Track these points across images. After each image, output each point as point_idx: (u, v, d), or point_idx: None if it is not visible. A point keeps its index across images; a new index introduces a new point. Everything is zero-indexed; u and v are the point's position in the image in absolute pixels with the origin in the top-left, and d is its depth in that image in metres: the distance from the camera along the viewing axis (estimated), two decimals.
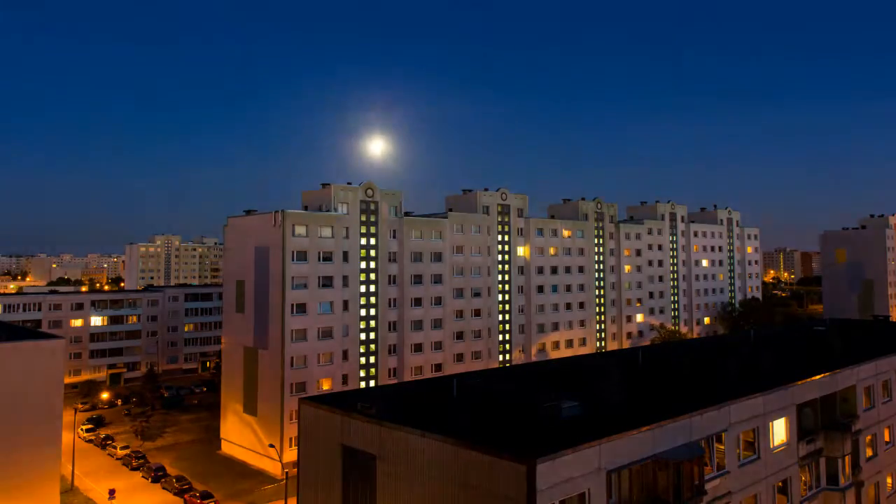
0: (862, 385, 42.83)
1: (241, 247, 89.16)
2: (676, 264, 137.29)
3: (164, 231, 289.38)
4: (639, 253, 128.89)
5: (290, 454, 74.00)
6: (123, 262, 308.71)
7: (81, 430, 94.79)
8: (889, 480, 45.52)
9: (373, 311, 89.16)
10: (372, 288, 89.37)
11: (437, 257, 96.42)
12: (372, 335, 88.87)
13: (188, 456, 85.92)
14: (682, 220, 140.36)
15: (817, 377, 38.66)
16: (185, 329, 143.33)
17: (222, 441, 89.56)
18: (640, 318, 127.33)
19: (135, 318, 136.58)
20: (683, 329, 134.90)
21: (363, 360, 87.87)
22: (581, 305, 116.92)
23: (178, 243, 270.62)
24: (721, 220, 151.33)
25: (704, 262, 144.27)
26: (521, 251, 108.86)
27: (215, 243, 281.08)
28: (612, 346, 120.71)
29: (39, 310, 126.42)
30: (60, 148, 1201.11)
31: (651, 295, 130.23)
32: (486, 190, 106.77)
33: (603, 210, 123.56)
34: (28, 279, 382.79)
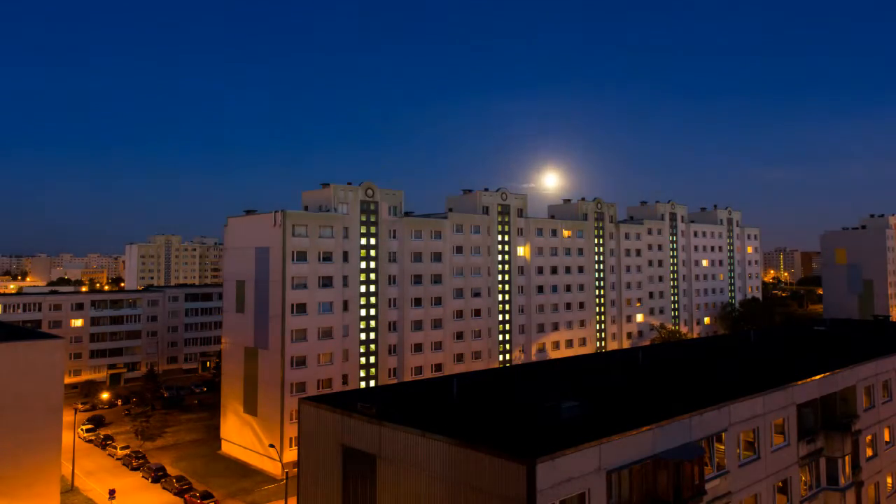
0: (862, 385, 42.82)
1: (242, 247, 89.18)
2: (676, 264, 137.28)
3: (164, 231, 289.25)
4: (639, 253, 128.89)
5: (290, 454, 74.03)
6: (123, 262, 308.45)
7: (81, 430, 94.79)
8: (889, 480, 45.52)
9: (373, 311, 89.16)
10: (372, 288, 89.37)
11: (437, 257, 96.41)
12: (372, 335, 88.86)
13: (188, 456, 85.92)
14: (682, 220, 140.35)
15: (817, 377, 38.65)
16: (185, 329, 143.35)
17: (222, 441, 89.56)
18: (640, 318, 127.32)
19: (135, 318, 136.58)
20: (683, 329, 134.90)
21: (363, 360, 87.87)
22: (581, 305, 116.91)
23: (178, 243, 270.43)
24: (721, 220, 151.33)
25: (704, 262, 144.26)
26: (521, 251, 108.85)
27: (215, 243, 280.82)
28: (612, 346, 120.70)
29: (39, 310, 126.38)
30: (60, 148, 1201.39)
31: (651, 295, 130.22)
32: (486, 190, 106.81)
33: (603, 210, 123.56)
34: (28, 279, 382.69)
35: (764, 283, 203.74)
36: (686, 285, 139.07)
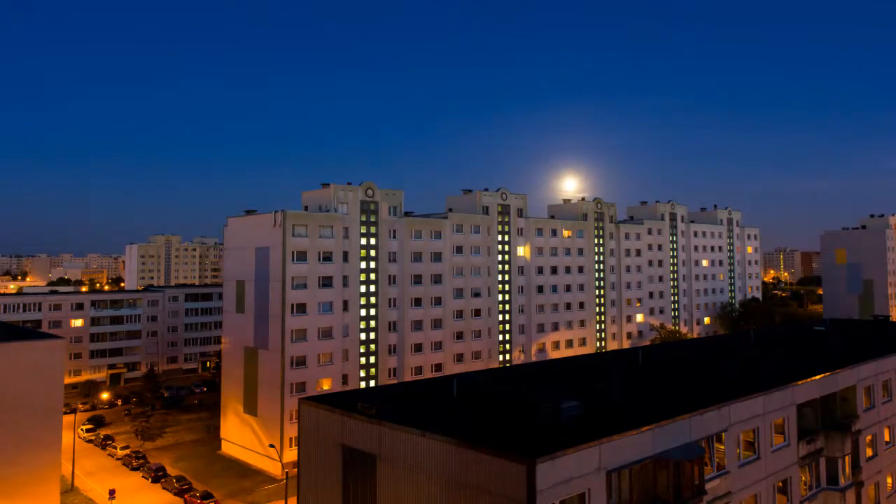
0: (862, 385, 42.80)
1: (241, 247, 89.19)
2: (676, 264, 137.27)
3: (164, 231, 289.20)
4: (639, 253, 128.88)
5: (290, 454, 74.04)
6: (123, 262, 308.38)
7: (81, 430, 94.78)
8: (889, 480, 45.50)
9: (373, 311, 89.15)
10: (372, 288, 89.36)
11: (437, 257, 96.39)
12: (372, 335, 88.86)
13: (188, 456, 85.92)
14: (682, 220, 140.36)
15: (817, 377, 38.63)
16: (185, 329, 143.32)
17: (222, 441, 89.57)
18: (640, 318, 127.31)
19: (135, 318, 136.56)
20: (683, 329, 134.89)
21: (363, 360, 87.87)
22: (581, 305, 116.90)
23: (178, 243, 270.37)
24: (721, 220, 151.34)
25: (704, 262, 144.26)
26: (521, 251, 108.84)
27: (215, 243, 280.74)
28: (612, 346, 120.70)
29: (39, 310, 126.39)
30: (60, 148, 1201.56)
31: (651, 295, 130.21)
32: (486, 190, 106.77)
33: (603, 210, 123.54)
34: (28, 279, 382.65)
35: (764, 283, 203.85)
36: (686, 285, 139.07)
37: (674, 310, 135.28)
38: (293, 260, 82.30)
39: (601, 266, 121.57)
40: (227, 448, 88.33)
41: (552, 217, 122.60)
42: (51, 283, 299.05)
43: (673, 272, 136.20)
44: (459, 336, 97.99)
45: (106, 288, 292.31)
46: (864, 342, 52.54)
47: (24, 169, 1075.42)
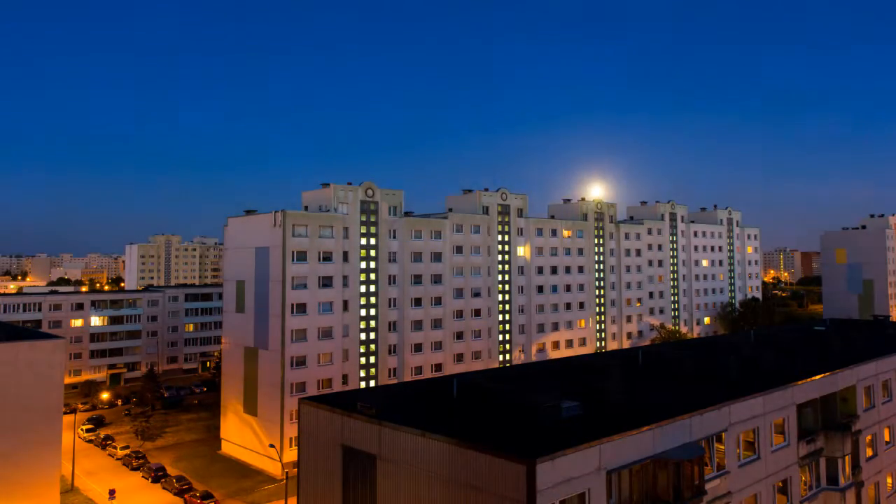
0: (862, 385, 42.83)
1: (241, 247, 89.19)
2: (676, 264, 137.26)
3: (164, 231, 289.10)
4: (639, 253, 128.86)
5: (290, 454, 74.02)
6: (123, 262, 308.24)
7: (81, 430, 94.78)
8: (889, 480, 45.53)
9: (373, 311, 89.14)
10: (372, 288, 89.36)
11: (437, 257, 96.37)
12: (372, 335, 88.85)
13: (188, 456, 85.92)
14: (682, 220, 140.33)
15: (817, 377, 38.65)
16: (186, 329, 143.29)
17: (222, 441, 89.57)
18: (640, 318, 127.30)
19: (135, 318, 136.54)
20: (683, 329, 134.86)
21: (363, 360, 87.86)
22: (581, 305, 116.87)
23: (178, 243, 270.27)
24: (721, 220, 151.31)
25: (704, 262, 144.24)
26: (521, 251, 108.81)
27: (215, 243, 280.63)
28: (612, 346, 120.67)
29: (39, 310, 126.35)
30: (60, 148, 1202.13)
31: (651, 295, 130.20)
32: (486, 190, 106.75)
33: (603, 210, 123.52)
34: (28, 279, 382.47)
35: (764, 283, 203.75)
36: (686, 285, 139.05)
37: (674, 310, 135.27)
38: (293, 260, 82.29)
39: (601, 266, 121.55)
40: (227, 448, 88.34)
41: (552, 217, 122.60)
42: (51, 283, 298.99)
43: (673, 272, 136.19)
44: (459, 336, 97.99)
45: (106, 288, 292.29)
46: (864, 342, 52.57)
47: (24, 169, 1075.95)
